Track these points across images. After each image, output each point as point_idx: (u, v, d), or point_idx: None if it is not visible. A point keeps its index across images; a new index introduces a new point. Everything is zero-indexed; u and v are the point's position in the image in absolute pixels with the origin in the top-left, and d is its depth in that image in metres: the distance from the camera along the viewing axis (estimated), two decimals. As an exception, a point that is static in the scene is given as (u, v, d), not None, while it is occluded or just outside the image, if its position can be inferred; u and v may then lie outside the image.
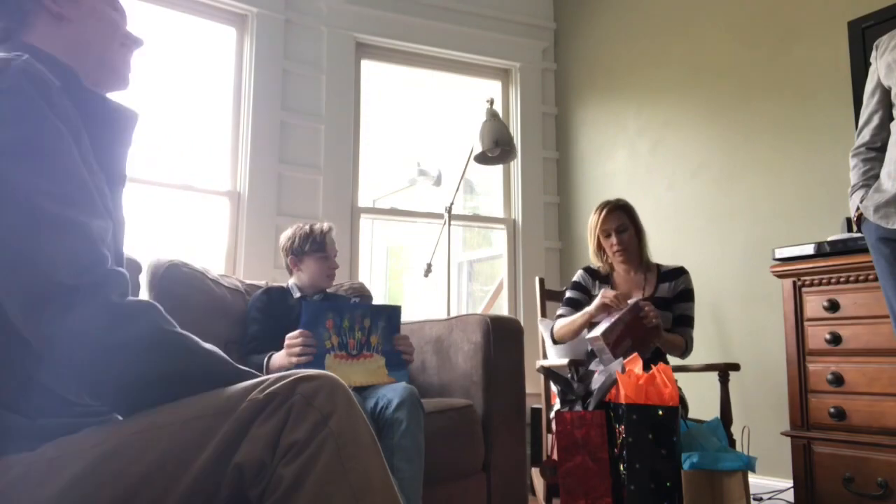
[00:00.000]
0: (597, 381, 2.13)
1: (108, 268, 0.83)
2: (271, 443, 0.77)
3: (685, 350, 2.41)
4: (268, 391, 0.80)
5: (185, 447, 0.79)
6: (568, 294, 2.58)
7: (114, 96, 1.06)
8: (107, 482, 0.79)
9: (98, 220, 0.87)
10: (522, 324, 2.33)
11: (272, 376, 0.83)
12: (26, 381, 0.87)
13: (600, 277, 2.56)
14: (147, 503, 0.79)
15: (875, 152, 1.94)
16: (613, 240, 2.47)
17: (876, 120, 1.94)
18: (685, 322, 2.45)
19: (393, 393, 1.82)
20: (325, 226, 2.36)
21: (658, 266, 2.54)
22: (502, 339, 2.15)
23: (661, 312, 2.42)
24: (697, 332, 2.99)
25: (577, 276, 2.60)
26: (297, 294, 2.32)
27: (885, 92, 1.91)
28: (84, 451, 0.81)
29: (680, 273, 2.49)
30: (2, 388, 0.86)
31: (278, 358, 1.95)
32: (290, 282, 2.37)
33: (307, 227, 2.35)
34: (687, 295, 2.47)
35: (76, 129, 0.90)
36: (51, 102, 0.86)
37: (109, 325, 0.80)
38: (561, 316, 2.53)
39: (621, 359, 2.00)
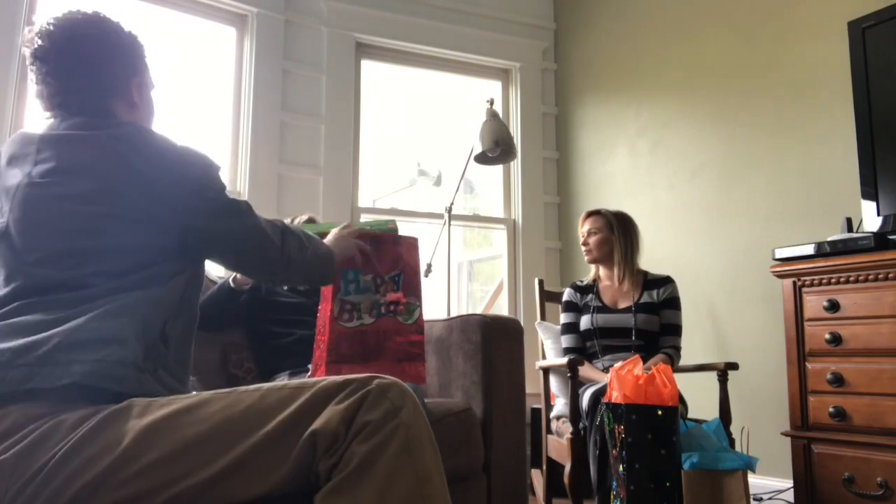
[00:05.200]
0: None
1: (281, 227, 1.27)
2: (348, 419, 0.87)
3: (673, 364, 2.41)
4: (346, 377, 0.92)
5: (265, 409, 0.91)
6: (563, 319, 2.60)
7: None
8: (187, 423, 0.90)
9: None
10: (522, 324, 2.33)
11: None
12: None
13: (584, 289, 2.60)
14: (219, 447, 0.88)
15: None
16: (583, 240, 2.60)
17: None
18: (673, 331, 2.47)
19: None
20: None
21: (645, 273, 2.57)
22: (502, 339, 2.15)
23: (648, 317, 2.46)
24: (697, 333, 3.00)
25: (566, 294, 2.64)
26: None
27: None
28: (173, 401, 0.94)
29: (666, 282, 2.53)
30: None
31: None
32: None
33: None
34: (674, 303, 2.50)
35: None
36: None
37: (298, 252, 1.26)
38: (569, 349, 2.53)
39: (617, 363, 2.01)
